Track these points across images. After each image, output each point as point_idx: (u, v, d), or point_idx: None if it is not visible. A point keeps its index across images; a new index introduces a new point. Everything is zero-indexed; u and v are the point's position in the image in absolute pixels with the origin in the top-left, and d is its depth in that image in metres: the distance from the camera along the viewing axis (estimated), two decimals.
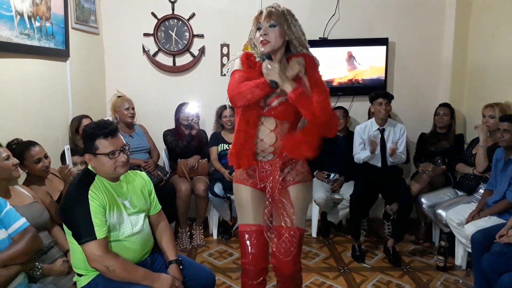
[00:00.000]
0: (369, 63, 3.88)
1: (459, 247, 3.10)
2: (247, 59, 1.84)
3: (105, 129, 1.78)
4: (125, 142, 1.87)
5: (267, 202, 1.88)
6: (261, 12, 1.79)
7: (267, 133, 1.82)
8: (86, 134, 1.82)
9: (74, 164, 2.51)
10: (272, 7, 1.78)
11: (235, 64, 1.85)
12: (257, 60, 1.82)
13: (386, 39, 3.84)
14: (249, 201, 1.91)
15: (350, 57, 3.86)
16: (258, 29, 1.78)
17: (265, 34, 1.75)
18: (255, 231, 1.88)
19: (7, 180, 2.04)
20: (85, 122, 3.03)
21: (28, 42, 2.49)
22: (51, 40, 2.78)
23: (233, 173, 2.04)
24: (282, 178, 1.86)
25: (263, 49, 1.76)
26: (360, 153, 3.44)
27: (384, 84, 3.89)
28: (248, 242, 1.89)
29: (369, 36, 3.86)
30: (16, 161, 2.07)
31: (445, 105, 3.63)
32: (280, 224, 1.85)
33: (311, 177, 2.00)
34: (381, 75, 3.89)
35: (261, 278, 1.92)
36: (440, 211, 3.14)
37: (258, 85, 1.70)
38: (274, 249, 1.86)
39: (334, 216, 3.70)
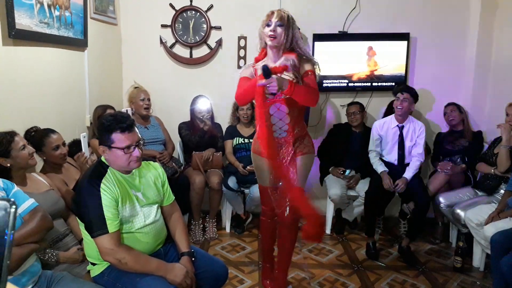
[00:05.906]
0: (389, 59, 3.80)
1: (477, 248, 3.03)
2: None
3: (123, 123, 1.77)
4: (140, 136, 1.86)
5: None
6: (272, 12, 2.19)
7: (283, 115, 2.27)
8: (103, 127, 1.80)
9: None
10: (282, 11, 2.20)
11: (247, 71, 2.33)
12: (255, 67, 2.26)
13: (408, 34, 3.75)
14: (265, 169, 2.39)
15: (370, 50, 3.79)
16: (267, 25, 2.18)
17: (274, 31, 2.17)
18: (272, 190, 2.42)
19: (24, 169, 2.06)
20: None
21: (48, 31, 2.50)
22: (70, 29, 2.79)
23: (252, 143, 2.53)
24: (292, 151, 2.33)
25: (270, 43, 2.18)
26: (376, 163, 3.36)
27: (404, 81, 3.80)
28: (268, 196, 2.43)
29: (390, 31, 3.78)
30: (32, 149, 2.07)
31: (450, 104, 3.59)
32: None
33: (314, 150, 2.45)
34: (401, 71, 3.81)
35: (275, 218, 2.51)
36: (458, 211, 3.07)
37: (252, 85, 2.14)
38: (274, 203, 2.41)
39: (349, 213, 3.66)
